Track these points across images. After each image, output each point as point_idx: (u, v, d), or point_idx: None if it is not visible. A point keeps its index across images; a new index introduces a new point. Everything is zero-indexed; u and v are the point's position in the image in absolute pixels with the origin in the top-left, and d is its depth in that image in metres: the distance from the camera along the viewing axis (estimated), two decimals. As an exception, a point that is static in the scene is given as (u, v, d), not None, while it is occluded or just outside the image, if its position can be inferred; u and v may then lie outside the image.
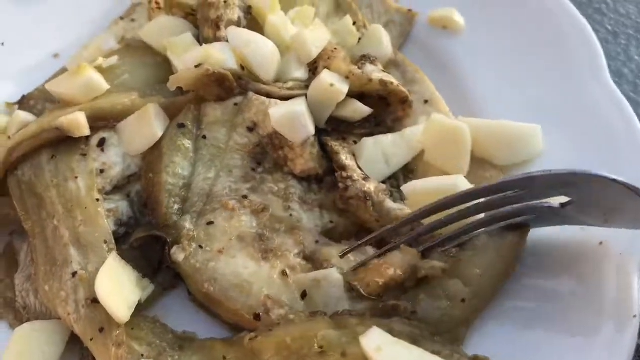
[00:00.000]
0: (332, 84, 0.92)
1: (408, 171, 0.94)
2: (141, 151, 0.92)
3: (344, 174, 0.87)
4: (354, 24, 1.08)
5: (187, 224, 0.86)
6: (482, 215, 0.83)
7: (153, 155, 0.91)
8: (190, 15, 1.04)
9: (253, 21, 1.03)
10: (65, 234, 0.86)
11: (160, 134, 0.91)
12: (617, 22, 1.20)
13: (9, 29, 1.14)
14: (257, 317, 0.79)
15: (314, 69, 0.98)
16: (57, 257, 0.85)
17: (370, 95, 0.97)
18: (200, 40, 1.01)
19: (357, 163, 0.91)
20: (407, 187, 0.88)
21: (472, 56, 1.09)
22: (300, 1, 1.08)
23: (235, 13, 1.00)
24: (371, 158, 0.91)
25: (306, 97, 0.93)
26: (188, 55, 0.93)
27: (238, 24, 1.00)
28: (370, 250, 0.85)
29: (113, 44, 1.10)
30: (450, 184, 0.84)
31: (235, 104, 0.94)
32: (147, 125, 0.91)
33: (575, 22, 1.06)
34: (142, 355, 0.80)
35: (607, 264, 0.82)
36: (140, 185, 0.92)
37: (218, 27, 0.99)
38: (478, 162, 0.93)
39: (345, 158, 0.89)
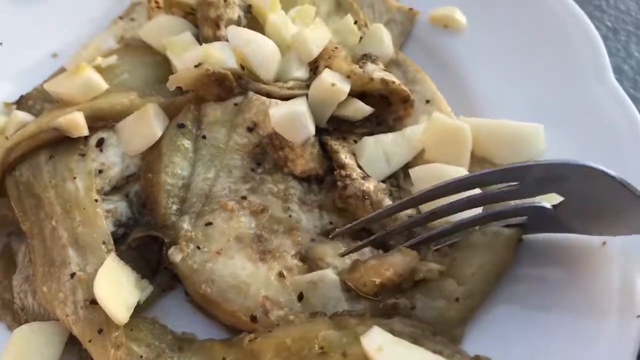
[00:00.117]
0: (334, 83, 0.91)
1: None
2: (140, 151, 0.91)
3: (343, 173, 0.87)
4: (355, 23, 1.07)
5: (185, 224, 0.85)
6: (476, 212, 0.82)
7: (152, 155, 0.90)
8: (190, 15, 1.04)
9: (253, 20, 1.03)
10: (63, 234, 0.85)
11: (159, 133, 0.90)
12: (617, 19, 1.20)
13: (7, 29, 1.14)
14: (253, 319, 0.79)
15: (314, 68, 0.98)
16: (55, 258, 0.84)
17: (372, 95, 0.97)
18: (200, 39, 1.00)
19: (357, 162, 0.90)
20: (415, 172, 0.88)
21: (473, 55, 1.08)
22: (301, 0, 1.07)
23: (235, 12, 0.99)
24: (372, 157, 0.90)
25: (307, 97, 0.93)
26: (187, 55, 0.93)
27: (238, 23, 0.99)
28: (366, 249, 0.84)
29: (112, 44, 1.09)
30: (458, 171, 0.85)
31: (235, 104, 0.93)
32: (146, 125, 0.90)
33: (578, 20, 1.05)
34: (141, 356, 0.79)
35: (610, 264, 0.81)
36: (139, 186, 0.91)
37: (218, 26, 0.98)
38: (479, 162, 0.92)
39: (345, 157, 0.88)
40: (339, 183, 0.87)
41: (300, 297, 0.81)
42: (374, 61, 0.98)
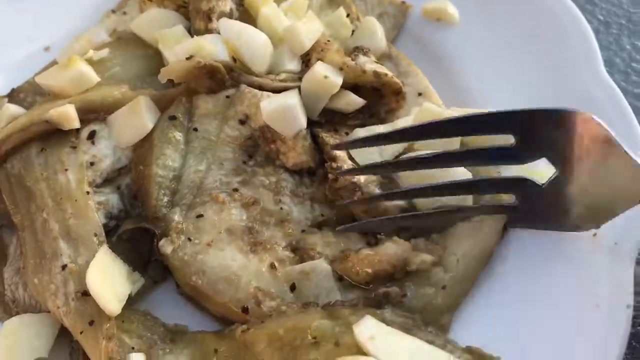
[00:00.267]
0: (326, 75, 0.91)
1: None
2: (132, 143, 0.91)
3: (334, 165, 0.87)
4: (348, 16, 1.07)
5: (176, 216, 0.85)
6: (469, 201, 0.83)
7: (143, 148, 0.90)
8: (182, 7, 1.04)
9: (245, 13, 1.03)
10: (54, 226, 0.85)
11: (151, 126, 0.90)
12: (608, 12, 1.21)
13: (-1, 22, 1.14)
14: (245, 310, 0.79)
15: (306, 60, 0.97)
16: (46, 250, 0.84)
17: (364, 87, 0.97)
18: (192, 32, 1.00)
19: (349, 154, 0.90)
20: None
21: (465, 48, 1.08)
22: (293, -8, 1.07)
23: (227, 5, 0.99)
24: (363, 149, 0.90)
25: (299, 90, 0.93)
26: (179, 47, 0.93)
27: (230, 15, 0.99)
28: (356, 237, 0.85)
29: (104, 37, 1.09)
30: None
31: (227, 97, 0.93)
32: (137, 117, 0.90)
33: (570, 14, 1.05)
34: (133, 347, 0.79)
35: (601, 255, 0.82)
36: (130, 178, 0.91)
37: (210, 19, 0.98)
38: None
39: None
40: (330, 175, 0.87)
41: (293, 288, 0.81)
42: (365, 54, 0.98)
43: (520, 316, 0.79)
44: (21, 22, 1.15)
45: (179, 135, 0.91)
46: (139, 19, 1.03)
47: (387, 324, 0.74)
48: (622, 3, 1.19)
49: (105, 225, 0.87)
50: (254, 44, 0.93)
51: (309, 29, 0.97)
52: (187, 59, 0.91)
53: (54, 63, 1.06)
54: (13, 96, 1.03)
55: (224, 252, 0.83)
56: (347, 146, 0.86)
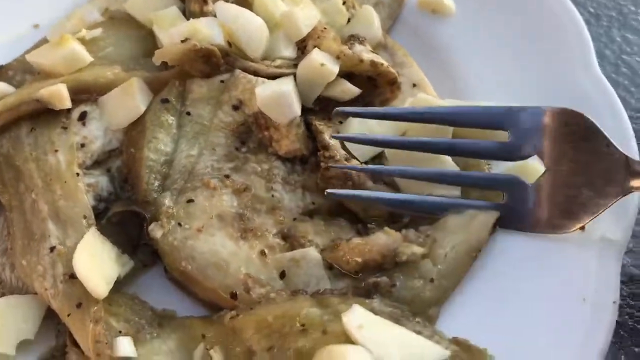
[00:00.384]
0: (323, 63, 0.91)
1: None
2: (123, 125, 0.90)
3: (326, 154, 0.86)
4: (344, 3, 1.06)
5: (167, 200, 0.85)
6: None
7: (135, 130, 0.89)
8: (177, -11, 1.02)
9: (242, -1, 1.02)
10: (43, 207, 0.84)
11: (143, 108, 0.89)
12: (599, 4, 1.22)
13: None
14: (234, 296, 0.79)
15: (302, 47, 0.97)
16: (35, 231, 0.83)
17: (358, 76, 0.96)
18: (187, 14, 0.99)
19: (342, 143, 0.90)
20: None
21: (461, 40, 1.08)
22: (290, -22, 1.06)
23: (224, -12, 0.98)
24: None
25: (294, 77, 0.92)
26: (174, 30, 0.92)
27: (225, -1, 0.98)
28: (347, 227, 0.85)
29: (96, 16, 1.07)
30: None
31: (222, 81, 0.92)
32: (130, 99, 0.89)
33: (564, 7, 1.06)
34: (120, 331, 0.79)
35: (589, 249, 0.82)
36: (121, 161, 0.90)
37: (205, 2, 0.97)
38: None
39: (329, 137, 0.88)
40: (322, 164, 0.87)
41: (282, 275, 0.81)
42: (362, 42, 0.98)
43: (506, 308, 0.80)
44: (9, -1, 1.13)
45: (171, 119, 0.90)
46: (132, -2, 1.01)
47: (376, 314, 0.74)
48: (612, -5, 1.21)
49: (94, 208, 0.86)
50: (250, 27, 0.93)
51: (306, 15, 0.96)
52: (183, 41, 0.89)
53: (44, 41, 1.04)
54: (1, 73, 1.01)
55: (214, 237, 0.83)
56: (343, 139, 0.87)
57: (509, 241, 0.85)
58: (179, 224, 0.83)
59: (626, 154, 0.83)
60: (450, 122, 0.88)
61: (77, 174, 0.86)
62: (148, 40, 0.99)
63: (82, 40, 0.96)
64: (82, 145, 0.89)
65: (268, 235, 0.84)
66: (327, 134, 0.89)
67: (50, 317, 0.83)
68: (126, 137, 0.90)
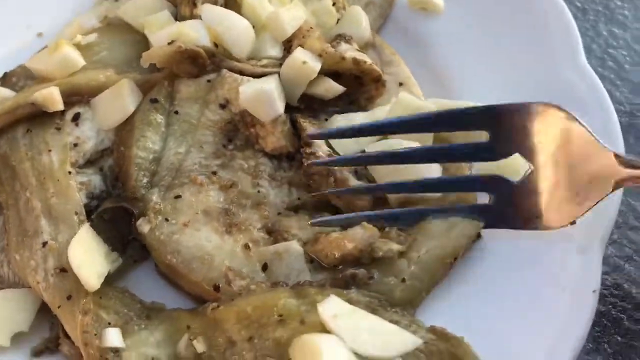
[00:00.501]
0: (305, 61, 0.93)
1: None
2: (114, 125, 0.93)
3: (309, 150, 0.88)
4: (334, 4, 1.08)
5: (155, 197, 0.87)
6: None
7: (125, 130, 0.92)
8: (169, -6, 1.06)
9: (231, 0, 1.04)
10: (37, 205, 0.87)
11: (132, 108, 0.92)
12: (586, -1, 1.24)
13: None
14: (216, 288, 0.81)
15: (288, 47, 0.99)
16: (28, 227, 0.87)
17: (345, 74, 0.98)
18: (178, 18, 1.02)
19: (326, 140, 0.92)
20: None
21: (449, 38, 1.09)
22: (279, -18, 1.09)
23: (212, -9, 1.01)
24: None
25: (279, 75, 0.94)
26: (162, 32, 0.95)
27: (215, 2, 1.01)
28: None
29: (95, 23, 1.10)
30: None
31: (208, 81, 0.95)
32: (120, 100, 0.92)
33: (554, 5, 1.06)
34: (109, 323, 0.81)
35: (570, 240, 0.82)
36: (113, 160, 0.93)
37: (195, 5, 1.00)
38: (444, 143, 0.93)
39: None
40: (304, 160, 0.88)
41: (265, 268, 0.83)
42: (347, 41, 0.99)
43: (485, 296, 0.81)
44: (16, 9, 1.17)
45: (160, 118, 0.93)
46: (126, 5, 1.05)
47: (353, 304, 0.75)
48: (600, -10, 1.21)
49: (87, 205, 0.89)
50: (235, 29, 0.95)
51: (292, 16, 0.98)
52: (169, 44, 0.93)
53: (45, 48, 1.09)
54: (5, 80, 1.06)
55: (200, 232, 0.85)
56: (322, 136, 0.88)
57: (489, 232, 0.85)
58: (166, 219, 0.86)
59: (613, 148, 0.82)
60: (427, 129, 0.87)
61: (70, 173, 0.89)
62: (142, 44, 1.02)
63: (78, 46, 1.00)
64: (75, 145, 0.92)
65: (252, 229, 0.86)
66: (310, 131, 0.91)
67: (44, 310, 0.85)
68: (117, 137, 0.93)
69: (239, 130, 0.94)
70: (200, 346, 0.78)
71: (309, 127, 0.92)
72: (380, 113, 0.95)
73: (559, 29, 1.04)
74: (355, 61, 0.96)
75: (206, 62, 0.94)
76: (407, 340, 0.72)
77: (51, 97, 0.91)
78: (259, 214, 0.88)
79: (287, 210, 0.89)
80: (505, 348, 0.76)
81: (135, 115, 0.93)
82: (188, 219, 0.86)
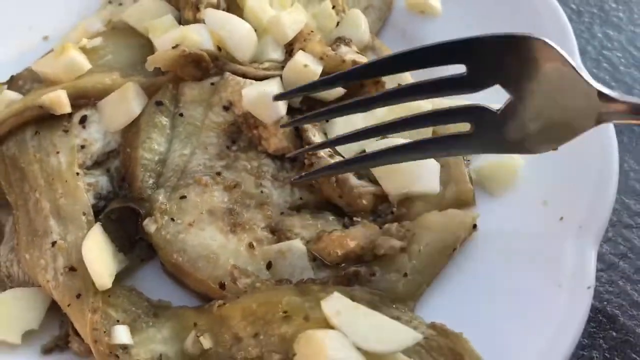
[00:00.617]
0: (306, 64, 0.95)
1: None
2: (120, 128, 0.95)
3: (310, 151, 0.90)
4: (333, 7, 1.10)
5: (161, 197, 0.89)
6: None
7: (131, 132, 0.95)
8: (173, -2, 1.08)
9: (234, 4, 1.06)
10: (46, 206, 0.89)
11: (138, 111, 0.95)
12: (581, 1, 1.26)
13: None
14: (222, 286, 0.83)
15: (290, 50, 1.01)
16: (38, 227, 0.89)
17: (346, 77, 1.00)
18: (182, 22, 1.04)
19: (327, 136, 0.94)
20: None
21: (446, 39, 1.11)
22: (281, -14, 1.11)
23: (215, -5, 1.03)
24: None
25: (281, 78, 0.97)
26: (166, 36, 0.97)
27: (217, 6, 1.03)
28: (333, 220, 0.89)
29: (100, 27, 1.13)
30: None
31: (212, 84, 0.97)
32: (126, 102, 0.94)
33: (549, 7, 1.08)
34: (118, 320, 0.83)
35: (566, 237, 0.84)
36: (119, 161, 0.95)
37: (198, 9, 1.02)
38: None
39: (313, 135, 0.92)
40: (306, 161, 0.91)
41: (269, 266, 0.85)
42: (347, 44, 1.02)
43: (482, 294, 0.83)
44: (22, 12, 1.19)
45: (165, 120, 0.95)
46: (130, 9, 1.07)
47: (356, 301, 0.77)
48: (594, -8, 1.23)
49: (95, 206, 0.91)
50: (237, 33, 0.97)
51: (293, 20, 1.01)
52: (173, 47, 0.95)
53: (51, 52, 1.11)
54: (12, 83, 1.08)
55: (205, 231, 0.87)
56: (325, 146, 0.90)
57: (486, 226, 0.87)
58: (172, 219, 0.88)
59: (590, 81, 0.78)
60: (407, 66, 0.86)
61: (77, 174, 0.91)
62: (146, 48, 1.04)
63: (84, 49, 1.02)
64: (83, 147, 0.94)
65: (256, 228, 0.89)
66: (311, 132, 0.93)
67: (54, 309, 0.87)
68: (123, 139, 0.95)
69: (242, 132, 0.96)
70: (207, 342, 0.80)
71: (310, 128, 0.94)
72: (379, 113, 0.97)
73: (555, 31, 1.05)
74: (355, 63, 0.98)
75: (209, 66, 0.97)
76: (408, 335, 0.75)
77: (59, 100, 0.93)
78: (263, 214, 0.90)
79: (289, 209, 0.92)
80: (503, 343, 0.79)
81: (141, 117, 0.95)
82: (193, 219, 0.88)
